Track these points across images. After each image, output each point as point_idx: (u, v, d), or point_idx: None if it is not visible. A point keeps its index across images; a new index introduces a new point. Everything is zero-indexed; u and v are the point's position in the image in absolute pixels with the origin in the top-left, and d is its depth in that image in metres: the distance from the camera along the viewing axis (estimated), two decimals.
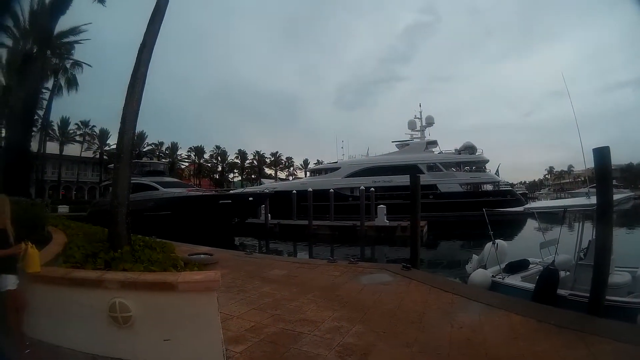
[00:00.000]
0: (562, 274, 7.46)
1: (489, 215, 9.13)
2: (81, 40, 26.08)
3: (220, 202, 23.87)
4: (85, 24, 22.86)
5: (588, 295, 5.84)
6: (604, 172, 5.96)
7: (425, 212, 25.87)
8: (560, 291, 6.75)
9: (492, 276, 8.14)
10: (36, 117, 30.62)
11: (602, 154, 5.84)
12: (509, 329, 4.83)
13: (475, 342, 4.41)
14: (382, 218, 23.35)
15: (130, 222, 5.85)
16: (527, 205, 10.75)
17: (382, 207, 23.69)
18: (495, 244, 8.82)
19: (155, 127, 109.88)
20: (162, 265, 4.82)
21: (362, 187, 25.71)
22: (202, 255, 5.91)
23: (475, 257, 9.58)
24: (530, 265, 8.83)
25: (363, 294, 6.69)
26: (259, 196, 26.78)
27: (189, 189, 28.91)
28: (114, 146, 57.25)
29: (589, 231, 7.65)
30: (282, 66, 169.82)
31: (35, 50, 13.99)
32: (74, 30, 23.61)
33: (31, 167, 13.57)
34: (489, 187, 37.41)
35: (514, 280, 7.94)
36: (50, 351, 4.14)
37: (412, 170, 32.87)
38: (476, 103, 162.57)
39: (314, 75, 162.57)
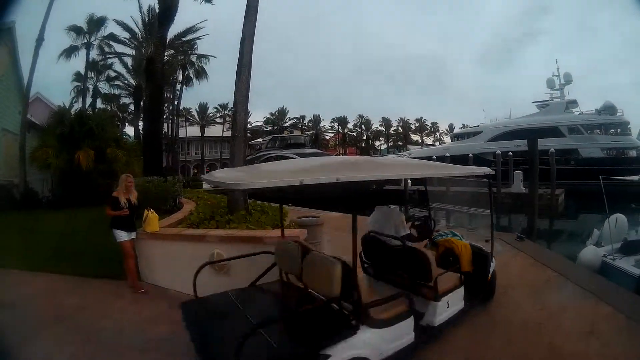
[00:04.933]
0: None
1: (630, 185, 7.81)
2: (201, 36, 30.10)
3: None
4: (200, 22, 25.90)
5: None
6: None
7: (566, 179, 23.47)
8: None
9: (604, 255, 7.13)
10: (172, 107, 36.76)
11: None
12: (590, 320, 4.29)
13: (545, 329, 4.07)
14: (518, 185, 21.46)
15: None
16: None
17: (517, 174, 21.83)
18: (614, 219, 7.73)
19: (297, 102, 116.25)
20: (262, 225, 5.50)
21: (499, 152, 24.00)
22: (310, 218, 6.59)
23: (596, 232, 8.55)
24: None
25: None
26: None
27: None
28: (255, 123, 61.79)
29: None
30: (421, 29, 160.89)
31: (154, 54, 16.32)
32: (191, 30, 27.16)
33: (162, 151, 16.09)
34: (633, 154, 31.08)
35: (626, 263, 6.79)
36: (160, 292, 5.32)
37: (553, 132, 29.51)
38: (618, 57, 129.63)
39: (455, 37, 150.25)
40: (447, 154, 25.16)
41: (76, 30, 26.27)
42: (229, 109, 61.94)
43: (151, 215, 5.54)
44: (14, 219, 11.89)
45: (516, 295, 4.99)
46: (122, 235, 5.23)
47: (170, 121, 41.00)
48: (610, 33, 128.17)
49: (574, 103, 34.46)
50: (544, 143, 26.88)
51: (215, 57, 37.14)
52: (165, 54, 28.54)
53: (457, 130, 59.57)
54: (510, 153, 24.70)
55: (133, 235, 5.41)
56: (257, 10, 7.15)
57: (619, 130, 32.07)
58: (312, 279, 3.40)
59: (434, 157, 27.39)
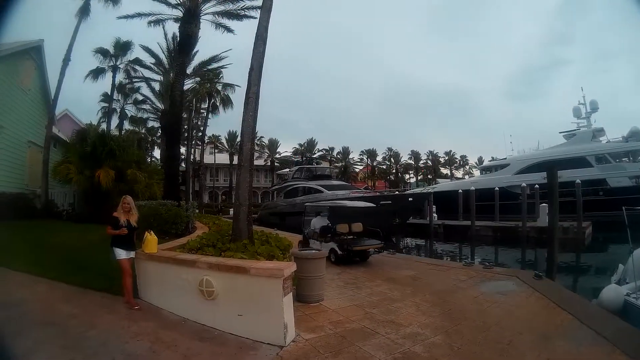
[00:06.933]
0: None
1: None
2: (225, 65, 30.67)
3: (381, 202, 23.49)
4: (225, 51, 26.62)
5: None
6: None
7: (594, 211, 23.01)
8: None
9: (627, 294, 6.45)
10: (200, 133, 38.74)
11: None
12: None
13: None
14: (543, 218, 20.47)
15: (252, 219, 6.82)
16: None
17: (543, 207, 20.95)
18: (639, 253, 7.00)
19: (326, 134, 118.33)
20: (256, 256, 5.44)
21: (524, 184, 23.41)
22: (312, 251, 6.50)
23: (621, 267, 7.90)
24: None
25: (473, 303, 6.21)
26: (418, 196, 26.75)
27: (353, 191, 29.81)
28: (285, 154, 63.98)
29: None
30: (447, 62, 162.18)
31: (173, 81, 16.86)
32: (215, 58, 27.63)
33: (178, 176, 16.39)
34: None
35: None
36: (153, 311, 5.41)
37: (580, 162, 28.92)
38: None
39: (480, 69, 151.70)
40: (473, 187, 24.58)
41: (103, 52, 27.29)
42: (258, 137, 62.80)
43: (150, 237, 5.74)
44: (32, 226, 12.39)
45: (520, 343, 4.48)
46: (121, 254, 5.51)
47: (198, 147, 42.27)
48: (633, 57, 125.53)
49: (601, 131, 33.36)
50: (571, 174, 26.16)
51: (239, 86, 38.32)
52: (192, 81, 29.72)
53: (485, 163, 58.87)
54: (537, 186, 23.94)
55: (132, 254, 5.67)
56: (265, 41, 7.20)
57: None
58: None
59: (460, 190, 27.23)
